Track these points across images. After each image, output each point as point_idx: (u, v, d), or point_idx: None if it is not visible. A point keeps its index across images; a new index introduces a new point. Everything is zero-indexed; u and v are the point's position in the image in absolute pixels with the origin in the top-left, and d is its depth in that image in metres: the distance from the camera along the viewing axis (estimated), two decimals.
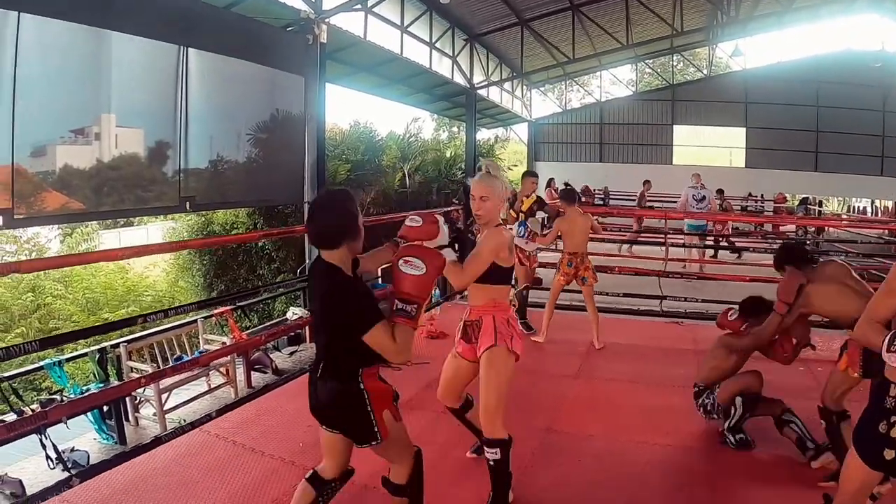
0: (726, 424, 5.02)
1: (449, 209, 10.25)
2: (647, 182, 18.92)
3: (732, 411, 5.00)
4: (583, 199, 20.72)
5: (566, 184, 22.01)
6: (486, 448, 3.95)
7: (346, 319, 3.00)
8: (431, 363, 6.84)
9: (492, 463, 3.93)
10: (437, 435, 5.20)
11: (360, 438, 3.21)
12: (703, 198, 14.12)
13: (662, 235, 13.69)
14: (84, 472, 4.44)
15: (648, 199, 19.80)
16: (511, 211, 8.04)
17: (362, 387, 3.10)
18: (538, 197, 8.43)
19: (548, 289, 8.28)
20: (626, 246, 15.24)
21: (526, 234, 7.79)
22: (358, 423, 3.17)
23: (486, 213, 3.88)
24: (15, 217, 6.77)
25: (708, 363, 5.40)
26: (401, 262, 3.07)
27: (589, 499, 4.26)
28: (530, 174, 8.82)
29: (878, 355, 3.14)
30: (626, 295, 9.24)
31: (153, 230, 29.53)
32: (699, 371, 5.44)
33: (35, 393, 11.33)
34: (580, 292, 8.56)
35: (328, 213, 3.13)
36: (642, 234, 15.66)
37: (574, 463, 4.74)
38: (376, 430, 3.13)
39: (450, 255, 3.66)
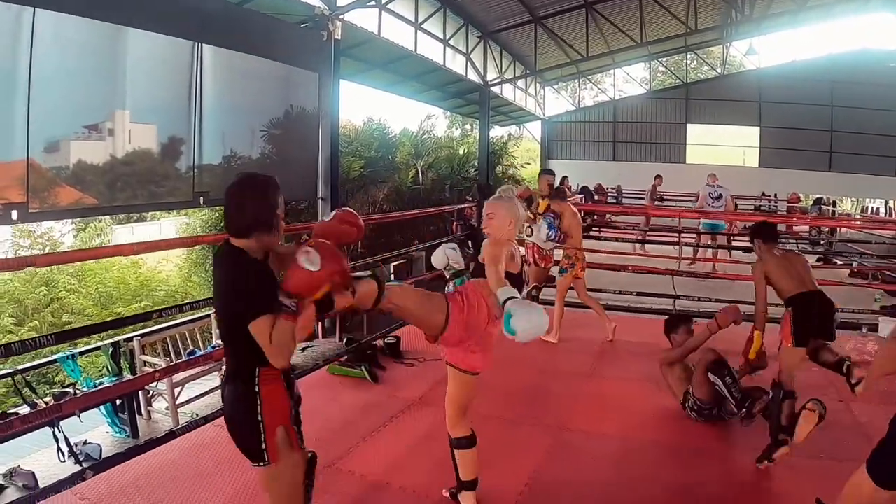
0: (732, 406, 5.03)
1: (462, 206, 10.27)
2: (658, 177, 18.81)
3: (719, 390, 5.06)
4: (596, 197, 20.79)
5: (584, 187, 22.04)
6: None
7: (237, 305, 2.73)
8: (443, 360, 6.86)
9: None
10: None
11: (248, 454, 2.86)
12: (720, 196, 14.03)
13: (676, 234, 13.64)
14: (97, 464, 4.46)
15: (661, 195, 19.68)
16: (528, 212, 8.00)
17: (257, 389, 2.78)
18: (560, 191, 8.36)
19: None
20: (639, 245, 15.17)
21: (556, 236, 7.70)
22: (245, 435, 2.82)
23: (492, 230, 3.84)
24: (30, 211, 6.81)
25: (670, 385, 5.74)
26: (300, 251, 2.82)
27: (602, 497, 4.25)
28: (547, 172, 8.59)
29: (808, 327, 4.31)
30: (639, 294, 9.21)
31: (166, 225, 29.62)
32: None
33: (47, 386, 11.37)
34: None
35: (242, 200, 2.83)
36: (654, 233, 15.60)
37: (588, 461, 4.73)
38: (263, 447, 2.79)
39: (507, 296, 3.31)
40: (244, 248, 2.79)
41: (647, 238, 15.44)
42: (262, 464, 2.83)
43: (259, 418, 2.77)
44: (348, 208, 3.49)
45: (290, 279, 2.80)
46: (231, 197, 2.84)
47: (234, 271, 2.77)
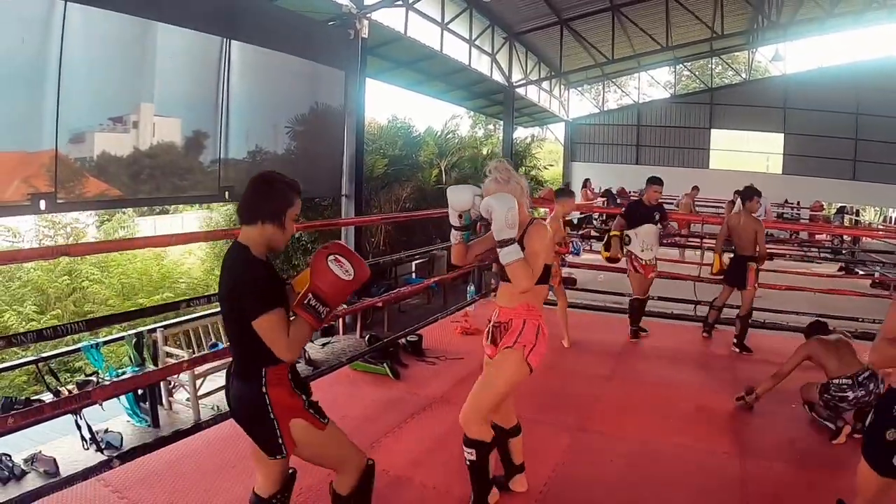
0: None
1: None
2: (695, 188, 18.55)
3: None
4: (619, 201, 20.70)
5: (607, 190, 21.93)
6: (464, 447, 3.77)
7: (242, 301, 2.73)
8: (465, 358, 6.90)
9: (468, 463, 3.79)
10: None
11: (266, 449, 2.91)
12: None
13: (699, 240, 13.60)
14: (124, 453, 4.50)
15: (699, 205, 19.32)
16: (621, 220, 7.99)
17: (265, 390, 2.81)
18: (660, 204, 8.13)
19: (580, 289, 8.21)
20: (680, 251, 14.97)
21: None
22: (262, 432, 2.88)
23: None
24: (57, 201, 6.88)
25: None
26: (331, 258, 2.84)
27: (619, 499, 4.25)
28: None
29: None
30: (660, 298, 9.18)
31: (188, 218, 29.76)
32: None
33: (68, 374, 11.46)
34: (600, 292, 8.61)
35: (264, 187, 2.86)
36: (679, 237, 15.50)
37: (606, 463, 4.73)
38: (280, 441, 2.84)
39: (517, 252, 3.41)
40: (249, 244, 2.81)
41: (672, 243, 15.29)
42: (279, 457, 2.88)
43: (272, 416, 2.82)
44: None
45: (323, 283, 2.80)
46: (252, 183, 2.89)
47: (240, 269, 2.78)
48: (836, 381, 5.23)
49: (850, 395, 5.13)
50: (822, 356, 5.38)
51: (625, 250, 7.88)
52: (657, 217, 7.85)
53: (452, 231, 3.88)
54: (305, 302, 2.77)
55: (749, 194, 7.73)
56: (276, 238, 2.86)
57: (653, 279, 8.11)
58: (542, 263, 3.55)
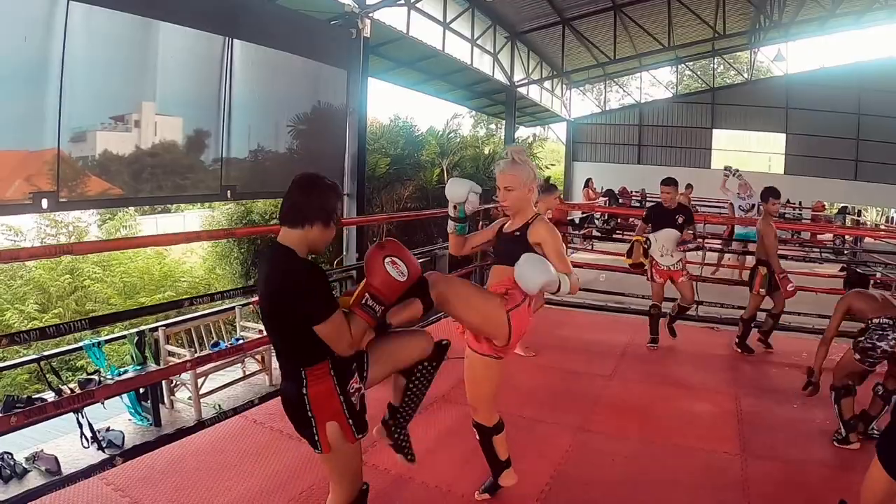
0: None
1: (488, 206, 10.24)
2: (689, 186, 18.55)
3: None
4: (621, 201, 20.67)
5: (609, 190, 21.90)
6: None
7: (299, 307, 2.70)
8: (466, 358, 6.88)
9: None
10: (470, 429, 5.18)
11: (309, 442, 2.93)
12: (753, 206, 13.86)
13: (700, 239, 13.58)
14: (126, 452, 4.50)
15: (696, 203, 19.35)
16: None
17: (305, 391, 2.82)
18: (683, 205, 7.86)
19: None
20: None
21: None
22: (303, 427, 2.91)
23: (513, 204, 3.73)
24: (59, 200, 6.89)
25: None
26: (388, 259, 2.88)
27: (621, 499, 4.24)
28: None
29: None
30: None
31: (190, 217, 29.78)
32: None
33: (70, 373, 11.48)
34: (601, 291, 8.58)
35: (310, 188, 2.84)
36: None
37: (607, 463, 4.72)
38: (317, 439, 2.86)
39: (566, 284, 3.45)
40: (294, 247, 2.78)
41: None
42: (317, 451, 2.90)
43: (310, 415, 2.83)
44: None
45: (381, 283, 2.84)
46: (298, 185, 2.85)
47: (295, 273, 2.74)
48: (876, 320, 5.08)
49: (891, 335, 5.00)
50: (863, 304, 5.21)
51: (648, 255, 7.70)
52: (680, 220, 7.44)
53: (449, 222, 3.96)
54: (363, 302, 2.82)
55: (764, 196, 7.48)
56: (321, 240, 2.86)
57: (687, 283, 7.58)
58: (565, 255, 3.64)
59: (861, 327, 5.20)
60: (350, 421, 2.91)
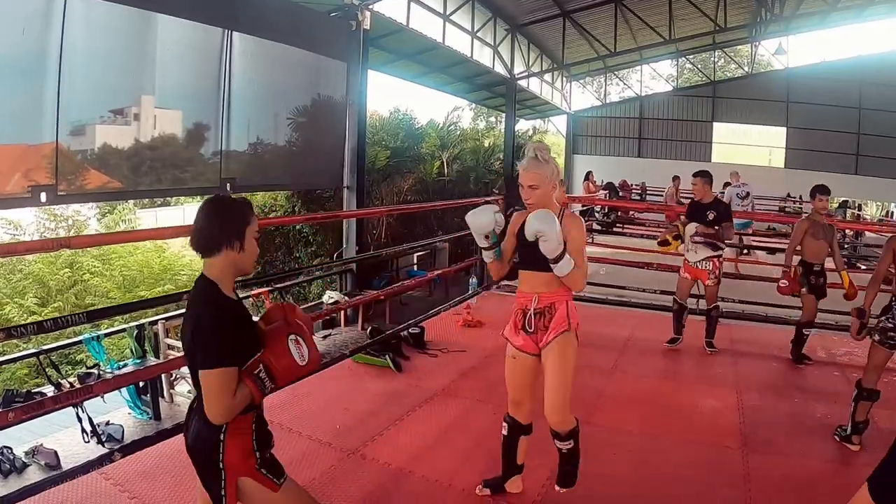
0: None
1: (488, 199, 10.24)
2: (676, 178, 18.53)
3: None
4: (621, 194, 20.65)
5: (609, 183, 21.91)
6: (558, 441, 3.79)
7: (195, 346, 2.53)
8: (467, 351, 6.89)
9: (565, 451, 3.82)
10: (472, 423, 5.21)
11: (210, 495, 2.65)
12: (748, 194, 13.93)
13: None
14: (125, 446, 4.49)
15: (683, 196, 19.37)
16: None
17: (222, 438, 2.59)
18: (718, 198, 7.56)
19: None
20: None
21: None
22: (208, 479, 2.64)
23: (538, 201, 3.66)
24: (58, 194, 6.87)
25: None
26: (292, 337, 2.67)
27: (622, 493, 4.23)
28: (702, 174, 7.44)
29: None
30: (662, 292, 9.16)
31: (189, 210, 29.75)
32: None
33: (70, 367, 11.48)
34: (602, 285, 8.55)
35: (211, 213, 2.66)
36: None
37: (609, 457, 4.71)
38: (223, 493, 2.60)
39: (569, 263, 3.53)
40: (216, 279, 2.63)
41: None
42: None
43: (221, 466, 2.60)
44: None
45: (279, 365, 2.61)
46: (201, 212, 2.68)
47: (203, 310, 2.58)
48: None
49: None
50: None
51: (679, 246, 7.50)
52: (710, 216, 7.10)
53: (483, 252, 3.91)
54: (256, 373, 2.58)
55: (812, 193, 7.25)
56: (242, 261, 2.67)
57: (712, 287, 7.25)
58: (585, 253, 3.69)
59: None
60: (264, 471, 2.72)
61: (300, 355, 2.64)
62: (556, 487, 3.93)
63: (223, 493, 2.60)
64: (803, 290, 7.02)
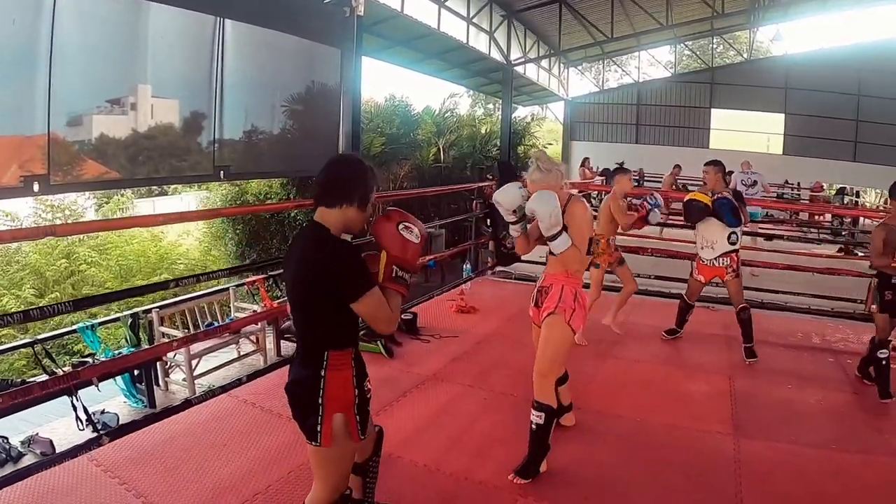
0: None
1: (483, 185, 10.23)
2: (677, 166, 18.49)
3: None
4: None
5: (606, 169, 21.84)
6: (532, 410, 4.04)
7: (335, 286, 2.69)
8: (460, 336, 6.90)
9: (534, 427, 4.04)
10: (463, 407, 5.24)
11: (305, 432, 2.83)
12: (755, 182, 13.75)
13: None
14: (113, 431, 4.50)
15: (683, 182, 19.35)
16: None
17: (323, 373, 2.76)
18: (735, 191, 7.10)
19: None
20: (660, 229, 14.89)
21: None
22: (305, 414, 2.81)
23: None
24: (51, 183, 6.86)
25: None
26: (400, 226, 2.89)
27: (612, 477, 4.24)
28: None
29: None
30: (657, 277, 9.16)
31: (187, 199, 29.75)
32: None
33: (67, 357, 11.49)
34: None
35: (344, 166, 2.91)
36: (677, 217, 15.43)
37: (600, 442, 4.73)
38: (319, 429, 2.76)
39: (565, 242, 3.81)
40: (329, 226, 2.79)
41: (669, 222, 15.21)
42: (314, 443, 2.80)
43: (320, 401, 2.76)
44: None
45: (403, 251, 2.87)
46: (335, 166, 2.91)
47: (331, 252, 2.73)
48: None
49: None
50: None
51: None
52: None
53: (510, 227, 4.19)
54: (394, 275, 2.86)
55: (892, 191, 5.84)
56: (357, 220, 2.86)
57: (735, 282, 6.72)
58: (587, 236, 3.97)
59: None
60: (358, 417, 2.86)
61: (414, 235, 2.91)
62: (510, 476, 4.09)
63: (319, 428, 2.77)
64: (873, 306, 5.95)
